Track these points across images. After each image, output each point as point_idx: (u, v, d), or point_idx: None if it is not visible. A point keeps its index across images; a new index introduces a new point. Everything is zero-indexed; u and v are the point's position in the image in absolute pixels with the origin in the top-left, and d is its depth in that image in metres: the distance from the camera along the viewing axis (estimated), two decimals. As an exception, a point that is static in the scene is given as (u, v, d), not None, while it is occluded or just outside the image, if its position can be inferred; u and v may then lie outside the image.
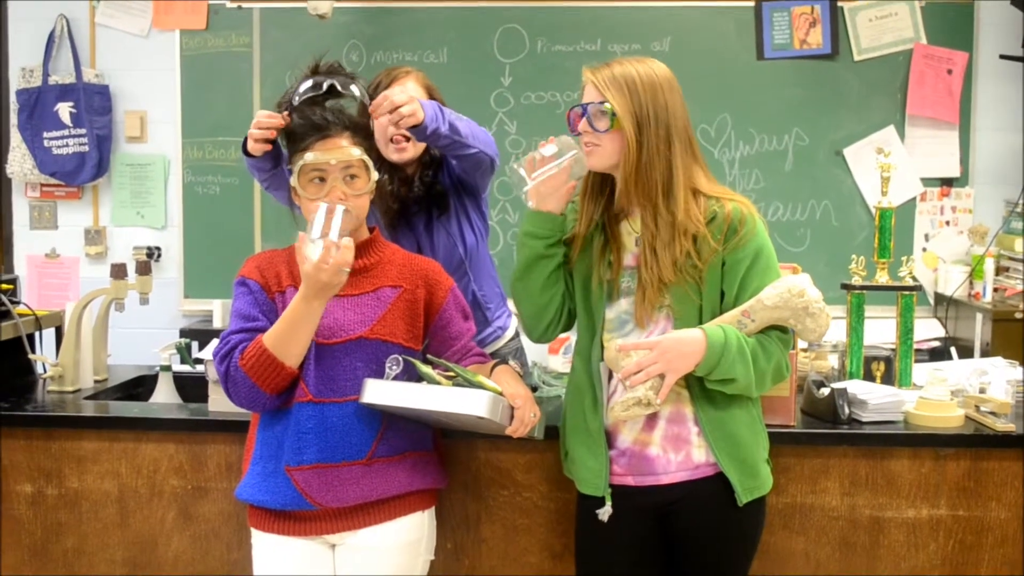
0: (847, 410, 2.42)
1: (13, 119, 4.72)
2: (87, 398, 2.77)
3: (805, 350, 2.82)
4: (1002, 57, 4.44)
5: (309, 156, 2.08)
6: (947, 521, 2.39)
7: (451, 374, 2.10)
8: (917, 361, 2.82)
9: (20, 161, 4.71)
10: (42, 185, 4.79)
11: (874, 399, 2.44)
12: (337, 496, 2.09)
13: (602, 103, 2.04)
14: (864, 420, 2.43)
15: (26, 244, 4.84)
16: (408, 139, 2.57)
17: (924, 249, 4.58)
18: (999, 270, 4.34)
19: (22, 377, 2.94)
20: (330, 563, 2.16)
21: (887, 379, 2.77)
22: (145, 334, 3.89)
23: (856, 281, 2.75)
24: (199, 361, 2.86)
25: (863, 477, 2.39)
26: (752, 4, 4.53)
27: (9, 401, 2.65)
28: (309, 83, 2.20)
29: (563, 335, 2.28)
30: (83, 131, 4.67)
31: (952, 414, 2.42)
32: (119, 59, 4.73)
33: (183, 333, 4.34)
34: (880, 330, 3.26)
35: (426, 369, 2.10)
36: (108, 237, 4.82)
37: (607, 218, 2.14)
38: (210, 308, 4.66)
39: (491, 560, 2.45)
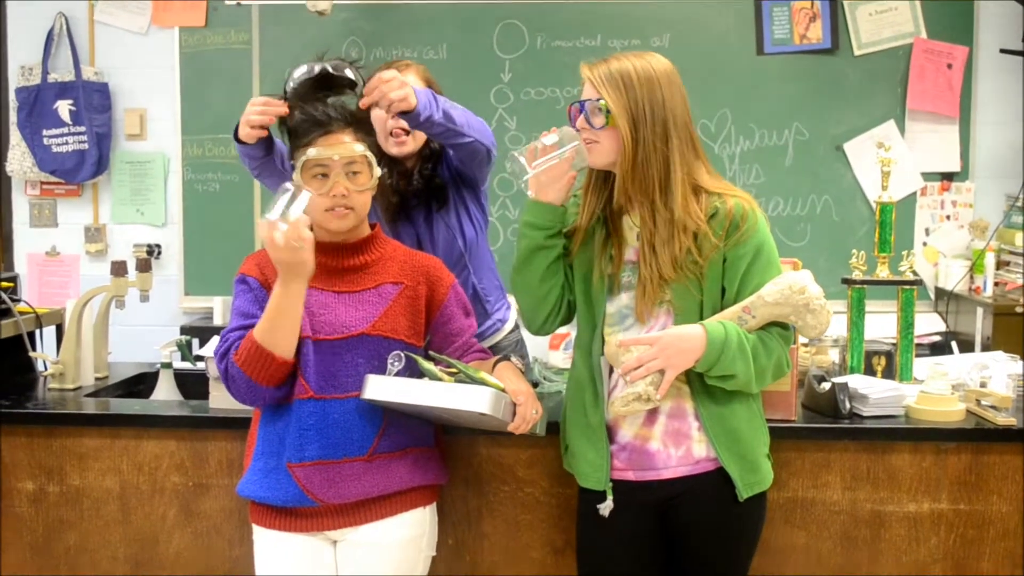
0: (848, 404, 2.42)
1: (12, 117, 4.71)
2: (88, 395, 2.77)
3: (806, 345, 2.82)
4: (1002, 51, 4.43)
5: (312, 151, 2.08)
6: (948, 515, 2.39)
7: (453, 370, 2.10)
8: (918, 355, 2.82)
9: (20, 159, 4.71)
10: (42, 183, 4.78)
11: (875, 393, 2.44)
12: (339, 492, 2.09)
13: (598, 100, 2.04)
14: (865, 414, 2.43)
15: (26, 242, 4.84)
16: (407, 133, 2.57)
17: (925, 244, 4.58)
18: (1000, 264, 4.34)
19: (23, 375, 2.95)
20: (332, 559, 2.16)
21: (888, 373, 2.77)
22: (146, 331, 3.90)
23: (857, 276, 2.75)
24: (200, 358, 2.86)
25: (864, 471, 2.39)
26: (752, -1, 4.53)
27: (10, 399, 2.65)
28: (303, 69, 2.20)
29: (563, 330, 2.28)
30: (83, 129, 4.66)
31: (953, 408, 2.42)
32: (118, 57, 4.72)
33: (184, 330, 4.33)
34: (881, 325, 3.26)
35: (428, 365, 2.10)
36: (108, 235, 4.81)
37: (609, 212, 2.14)
38: (210, 305, 4.66)
39: (493, 556, 2.45)
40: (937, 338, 4.29)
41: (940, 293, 4.51)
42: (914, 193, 4.56)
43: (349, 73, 2.22)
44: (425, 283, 2.21)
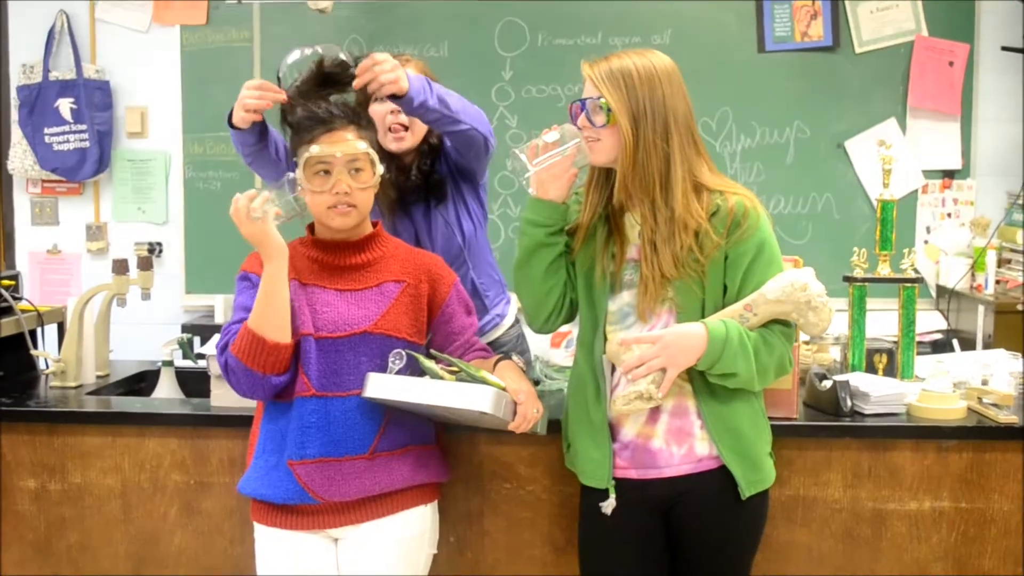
0: (849, 402, 2.42)
1: (14, 115, 4.72)
2: (89, 394, 2.77)
3: (807, 342, 2.82)
4: (1003, 49, 4.43)
5: (314, 149, 2.09)
6: (950, 513, 2.39)
7: (454, 369, 2.10)
8: (919, 353, 2.82)
9: (21, 157, 4.71)
10: (43, 181, 4.78)
11: (876, 391, 2.44)
12: (339, 490, 2.09)
13: (598, 98, 2.04)
14: (866, 412, 2.42)
15: (27, 240, 4.84)
16: (406, 129, 2.57)
17: (926, 241, 4.58)
18: (1001, 262, 4.34)
19: (24, 373, 2.95)
20: (333, 557, 2.16)
21: (889, 371, 2.77)
22: (147, 329, 3.90)
23: (858, 273, 2.75)
24: (201, 356, 2.86)
25: (866, 469, 2.39)
26: (753, -4, 4.53)
27: (12, 397, 2.65)
28: (296, 53, 2.22)
29: (564, 328, 2.28)
30: (84, 127, 4.66)
31: (954, 406, 2.42)
32: (119, 55, 4.72)
33: (185, 328, 4.33)
34: (882, 322, 3.25)
35: (429, 364, 2.10)
36: (109, 233, 4.81)
37: (611, 210, 2.14)
38: (212, 303, 4.66)
39: (494, 554, 2.45)
40: (938, 336, 4.28)
41: (941, 291, 4.50)
42: (915, 191, 4.55)
43: (343, 56, 2.23)
44: (427, 281, 2.21)
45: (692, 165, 2.06)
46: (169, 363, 2.89)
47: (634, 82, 2.02)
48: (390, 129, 2.56)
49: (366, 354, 2.12)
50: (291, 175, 2.08)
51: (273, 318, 2.05)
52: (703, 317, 2.04)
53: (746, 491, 2.07)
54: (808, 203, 4.58)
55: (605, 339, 2.12)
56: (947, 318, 4.45)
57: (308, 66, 2.22)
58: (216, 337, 2.27)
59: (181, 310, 4.74)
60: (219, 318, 4.55)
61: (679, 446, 2.08)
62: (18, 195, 4.83)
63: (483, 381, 2.05)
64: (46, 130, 4.68)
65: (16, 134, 4.71)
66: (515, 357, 2.26)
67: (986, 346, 3.78)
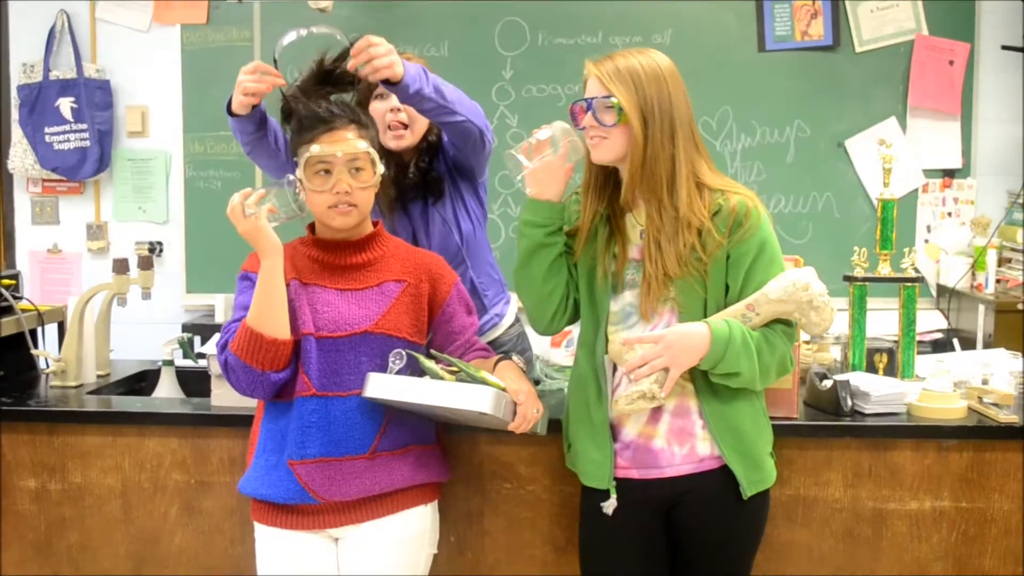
0: (850, 402, 2.42)
1: (14, 115, 4.72)
2: (90, 393, 2.77)
3: (808, 342, 2.82)
4: (1004, 48, 4.43)
5: (315, 148, 2.09)
6: (950, 513, 2.39)
7: (454, 369, 2.10)
8: (920, 353, 2.82)
9: (21, 156, 4.71)
10: (43, 180, 4.78)
11: (877, 391, 2.44)
12: (340, 490, 2.09)
13: (607, 97, 2.03)
14: (867, 412, 2.42)
15: (28, 239, 4.84)
16: (405, 127, 2.57)
17: (926, 241, 4.58)
18: (1001, 261, 4.34)
19: (25, 372, 2.95)
20: (333, 557, 2.16)
21: (890, 371, 2.77)
22: (147, 329, 3.90)
23: (858, 273, 2.75)
24: (201, 356, 2.86)
25: (866, 469, 2.39)
26: (753, -4, 4.53)
27: (12, 396, 2.65)
28: (291, 35, 2.23)
29: (565, 328, 2.28)
30: (84, 126, 4.66)
31: (955, 406, 2.42)
32: (120, 54, 4.72)
33: (185, 328, 4.33)
34: (882, 322, 3.25)
35: (429, 364, 2.10)
36: (110, 232, 4.81)
37: (612, 210, 2.13)
38: (212, 303, 4.66)
39: (494, 553, 2.45)
40: (939, 335, 4.28)
41: (942, 290, 4.50)
42: (916, 190, 4.55)
43: (338, 36, 2.23)
44: (428, 281, 2.21)
45: (694, 164, 2.06)
46: (169, 363, 2.89)
47: (642, 81, 2.02)
48: (390, 127, 2.56)
49: (366, 354, 2.12)
50: (291, 176, 2.09)
51: (270, 314, 2.05)
52: (705, 317, 2.04)
53: (748, 491, 2.07)
54: (808, 202, 4.58)
55: (607, 339, 2.12)
56: (947, 317, 4.45)
57: (309, 67, 2.22)
58: (216, 336, 2.27)
59: (181, 309, 4.74)
60: (219, 318, 4.55)
61: (681, 446, 2.08)
62: (18, 194, 4.83)
63: (483, 381, 2.05)
64: (46, 129, 4.68)
65: (16, 133, 4.71)
66: (515, 357, 2.26)
67: (986, 345, 3.79)
